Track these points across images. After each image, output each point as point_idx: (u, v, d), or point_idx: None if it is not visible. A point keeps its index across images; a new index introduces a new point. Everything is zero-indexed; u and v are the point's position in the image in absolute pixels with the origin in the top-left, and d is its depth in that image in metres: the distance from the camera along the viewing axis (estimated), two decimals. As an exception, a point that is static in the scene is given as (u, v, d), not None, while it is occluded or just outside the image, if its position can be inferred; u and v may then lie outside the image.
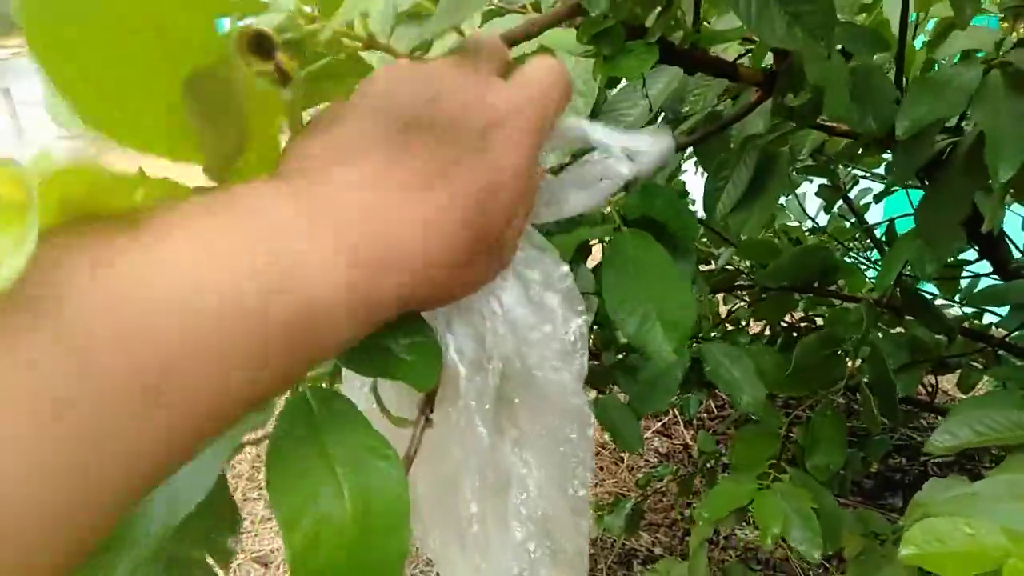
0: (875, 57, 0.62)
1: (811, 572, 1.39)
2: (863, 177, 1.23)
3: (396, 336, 0.27)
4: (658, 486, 1.56)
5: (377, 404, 0.29)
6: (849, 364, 0.81)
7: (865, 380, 0.75)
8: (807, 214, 1.34)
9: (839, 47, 0.52)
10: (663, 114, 0.59)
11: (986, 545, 0.39)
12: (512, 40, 0.33)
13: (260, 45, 0.23)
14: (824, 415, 0.76)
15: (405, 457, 0.28)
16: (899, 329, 1.01)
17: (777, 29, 0.36)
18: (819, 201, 1.32)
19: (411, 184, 0.24)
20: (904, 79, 0.59)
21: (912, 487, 1.54)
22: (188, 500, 0.26)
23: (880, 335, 0.91)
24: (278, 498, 0.23)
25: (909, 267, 0.79)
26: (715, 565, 1.30)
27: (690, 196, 1.13)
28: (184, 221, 0.19)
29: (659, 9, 0.40)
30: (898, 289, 0.87)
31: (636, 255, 0.43)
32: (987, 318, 1.14)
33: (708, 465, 1.54)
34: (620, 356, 0.81)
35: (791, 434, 0.86)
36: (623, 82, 0.60)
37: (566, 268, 0.31)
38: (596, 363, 0.99)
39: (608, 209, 0.48)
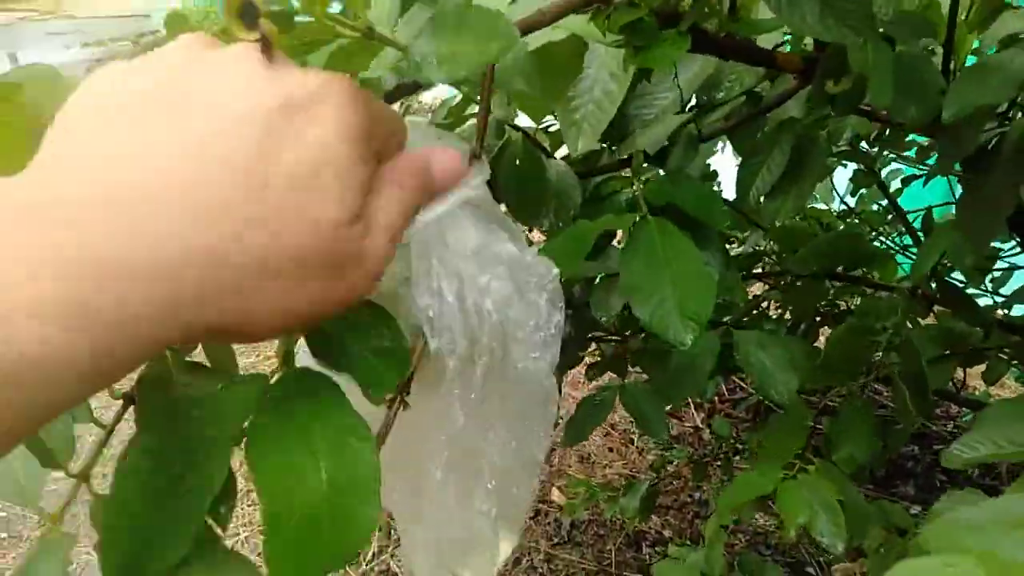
0: (922, 42, 0.60)
1: (820, 558, 1.39)
2: (894, 159, 1.20)
3: (362, 337, 0.29)
4: (670, 468, 1.56)
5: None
6: (879, 355, 0.79)
7: (896, 371, 0.73)
8: (837, 194, 1.30)
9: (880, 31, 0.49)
10: (695, 100, 0.57)
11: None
12: (523, 29, 0.32)
13: (247, 13, 0.22)
14: (853, 406, 0.74)
15: (379, 434, 0.30)
16: (929, 320, 0.99)
17: (808, 18, 0.34)
18: (845, 183, 1.29)
19: (166, 166, 0.19)
20: (953, 64, 0.56)
21: (924, 476, 1.53)
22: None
23: (912, 326, 0.89)
24: (262, 474, 0.25)
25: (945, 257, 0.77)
26: (726, 550, 1.30)
27: (719, 179, 1.10)
28: None
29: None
30: (932, 280, 0.85)
31: (659, 243, 0.43)
32: (1017, 309, 1.11)
33: (723, 450, 1.54)
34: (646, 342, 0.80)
35: (818, 426, 0.84)
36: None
37: (555, 271, 0.34)
38: (619, 346, 0.98)
39: (635, 195, 0.47)
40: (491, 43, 0.24)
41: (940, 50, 0.57)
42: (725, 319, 0.78)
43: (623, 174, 0.51)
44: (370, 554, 1.45)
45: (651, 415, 0.70)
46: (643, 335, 0.81)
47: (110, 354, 0.18)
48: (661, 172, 0.52)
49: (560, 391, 0.97)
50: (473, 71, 0.25)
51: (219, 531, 0.33)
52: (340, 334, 0.29)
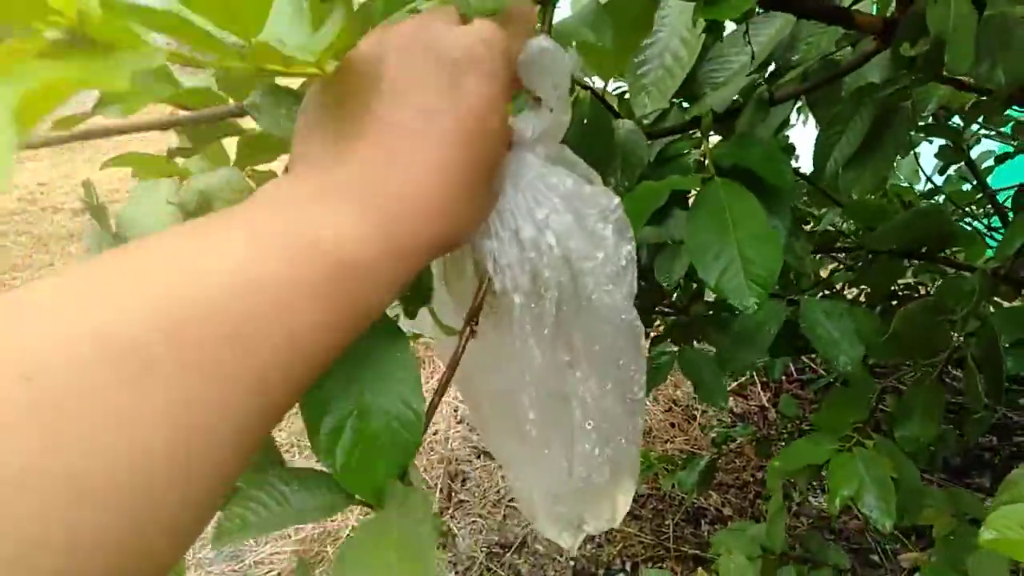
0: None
1: (887, 547, 1.35)
2: (987, 136, 1.13)
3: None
4: (732, 446, 1.54)
5: (432, 318, 0.35)
6: (954, 336, 0.76)
7: (971, 354, 0.71)
8: (924, 173, 1.24)
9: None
10: (772, 63, 0.56)
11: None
12: None
13: None
14: (922, 385, 0.72)
15: (452, 360, 0.33)
16: (1017, 303, 0.94)
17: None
18: (934, 162, 1.23)
19: (401, 143, 0.27)
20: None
21: (1002, 468, 1.46)
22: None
23: (993, 308, 0.85)
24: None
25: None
26: (787, 531, 1.29)
27: (797, 153, 1.07)
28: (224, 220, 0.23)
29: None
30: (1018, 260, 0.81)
31: (726, 204, 0.43)
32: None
33: (788, 429, 1.51)
34: (710, 311, 0.79)
35: (882, 405, 0.82)
36: (730, 28, 0.57)
37: (617, 200, 0.33)
38: (683, 317, 0.98)
39: (703, 157, 0.47)
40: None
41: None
42: (795, 296, 0.76)
43: (691, 135, 0.51)
44: (431, 513, 1.49)
45: (710, 381, 0.70)
46: (706, 303, 0.80)
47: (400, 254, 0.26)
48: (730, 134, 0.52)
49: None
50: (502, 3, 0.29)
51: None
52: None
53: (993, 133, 1.12)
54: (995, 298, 0.91)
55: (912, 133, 1.05)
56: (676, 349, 0.83)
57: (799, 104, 1.21)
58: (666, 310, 1.01)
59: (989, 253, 1.03)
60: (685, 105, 0.55)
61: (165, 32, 0.22)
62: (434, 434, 1.70)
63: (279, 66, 0.26)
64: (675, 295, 0.94)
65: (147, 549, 0.17)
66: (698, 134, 0.48)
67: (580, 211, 0.32)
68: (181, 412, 0.18)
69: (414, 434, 0.29)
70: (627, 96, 0.54)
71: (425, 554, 0.25)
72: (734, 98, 0.51)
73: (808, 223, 1.13)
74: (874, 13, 0.54)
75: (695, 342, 0.90)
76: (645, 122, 0.51)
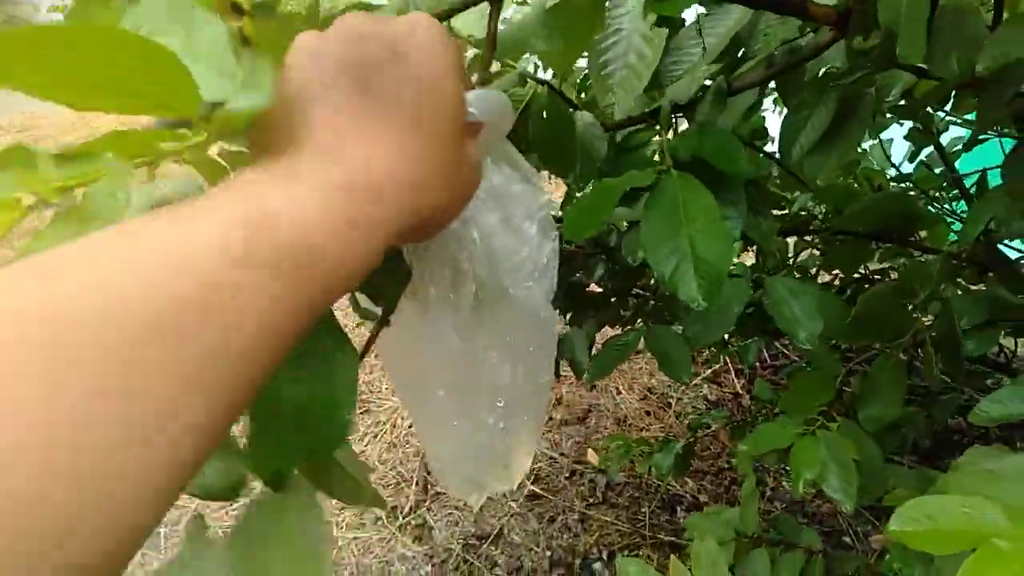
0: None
1: (858, 528, 1.38)
2: (954, 124, 1.15)
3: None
4: (707, 432, 1.56)
5: (351, 302, 0.36)
6: (919, 318, 0.78)
7: (931, 335, 0.72)
8: (893, 165, 1.26)
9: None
10: (733, 53, 0.56)
11: (979, 525, 0.37)
12: None
13: (235, 8, 0.28)
14: (884, 366, 0.73)
15: (366, 344, 0.35)
16: (981, 286, 0.96)
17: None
18: (905, 148, 1.24)
19: (360, 126, 0.27)
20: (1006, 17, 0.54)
21: (973, 449, 1.48)
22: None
23: (958, 291, 0.87)
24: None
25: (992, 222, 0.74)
26: (762, 515, 1.30)
27: (769, 136, 1.08)
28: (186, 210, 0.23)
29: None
30: (984, 245, 0.82)
31: (680, 200, 0.43)
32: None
33: (762, 413, 1.53)
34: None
35: (847, 388, 0.83)
36: (691, 18, 0.57)
37: (545, 199, 0.35)
38: (654, 301, 0.98)
39: (659, 150, 0.47)
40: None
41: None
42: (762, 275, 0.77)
43: (654, 127, 0.51)
44: (407, 508, 1.49)
45: (675, 356, 0.71)
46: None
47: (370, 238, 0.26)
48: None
49: (594, 342, 0.98)
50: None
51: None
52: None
53: (959, 121, 1.13)
54: (961, 281, 0.93)
55: (886, 115, 1.06)
56: (643, 327, 0.83)
57: (775, 95, 1.22)
58: (643, 292, 1.01)
59: (953, 237, 1.05)
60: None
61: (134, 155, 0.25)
62: (409, 427, 1.70)
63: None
64: (652, 278, 0.94)
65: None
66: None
67: (507, 209, 0.33)
68: (112, 388, 0.18)
69: (338, 436, 0.30)
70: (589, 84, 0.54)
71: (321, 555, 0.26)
72: (694, 89, 0.51)
73: (783, 207, 1.14)
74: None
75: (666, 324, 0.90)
76: (609, 112, 0.50)
